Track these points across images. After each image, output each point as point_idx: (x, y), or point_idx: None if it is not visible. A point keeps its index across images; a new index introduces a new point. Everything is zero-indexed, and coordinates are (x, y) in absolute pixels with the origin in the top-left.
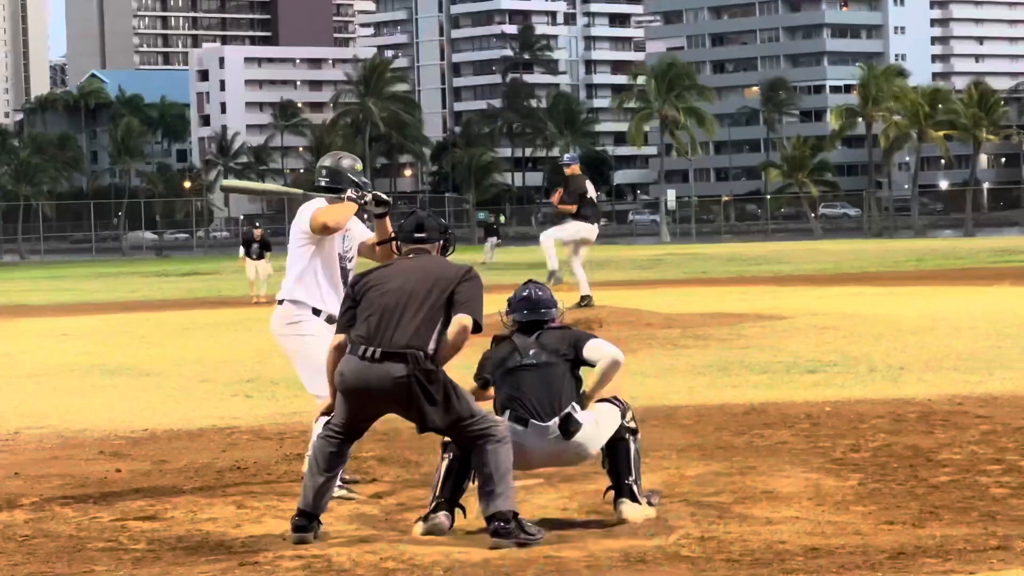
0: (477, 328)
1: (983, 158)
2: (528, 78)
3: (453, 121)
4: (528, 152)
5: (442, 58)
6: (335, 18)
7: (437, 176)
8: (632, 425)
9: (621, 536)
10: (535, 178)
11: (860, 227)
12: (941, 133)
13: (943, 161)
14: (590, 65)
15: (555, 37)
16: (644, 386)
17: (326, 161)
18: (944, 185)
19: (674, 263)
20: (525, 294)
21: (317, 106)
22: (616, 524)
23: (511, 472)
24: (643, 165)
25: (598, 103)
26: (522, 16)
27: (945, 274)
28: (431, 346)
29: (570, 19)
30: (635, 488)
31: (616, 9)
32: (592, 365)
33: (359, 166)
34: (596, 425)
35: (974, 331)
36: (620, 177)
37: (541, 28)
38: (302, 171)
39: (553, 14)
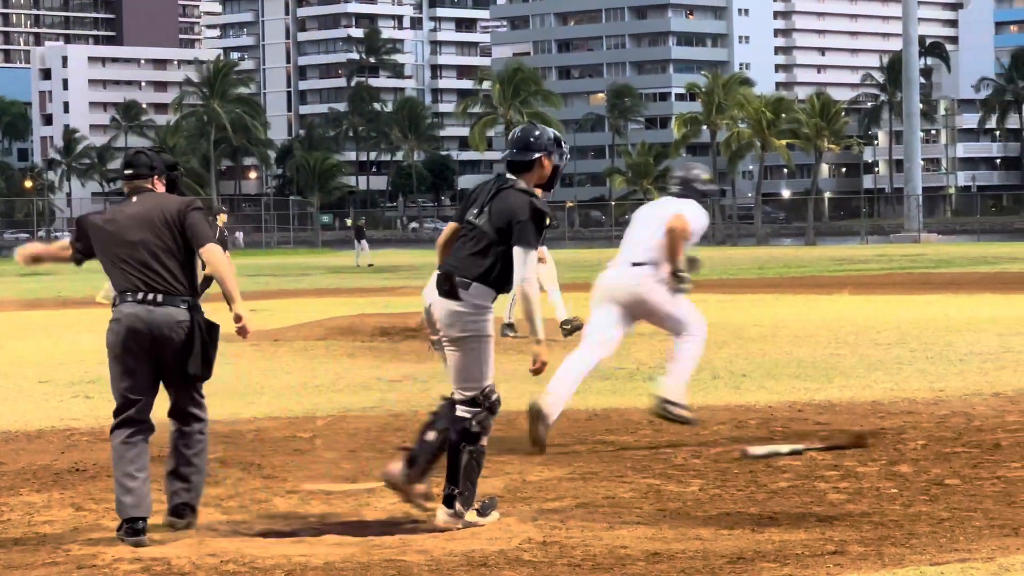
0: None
1: (824, 168)
2: (374, 82)
3: (298, 124)
4: (373, 156)
5: (288, 61)
6: (180, 19)
7: (282, 179)
8: (474, 429)
9: (464, 540)
10: (379, 182)
11: (704, 234)
12: (784, 142)
13: (786, 170)
14: (436, 70)
15: (401, 41)
16: None
17: (678, 172)
18: (786, 194)
19: None
20: (512, 132)
21: (162, 107)
22: (461, 528)
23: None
24: (488, 170)
25: (444, 108)
26: (368, 20)
27: (787, 282)
28: (195, 289)
29: (416, 23)
30: (456, 499)
31: (462, 14)
32: None
33: (705, 175)
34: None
35: (814, 339)
36: (464, 182)
37: (387, 32)
38: None
39: (400, 18)
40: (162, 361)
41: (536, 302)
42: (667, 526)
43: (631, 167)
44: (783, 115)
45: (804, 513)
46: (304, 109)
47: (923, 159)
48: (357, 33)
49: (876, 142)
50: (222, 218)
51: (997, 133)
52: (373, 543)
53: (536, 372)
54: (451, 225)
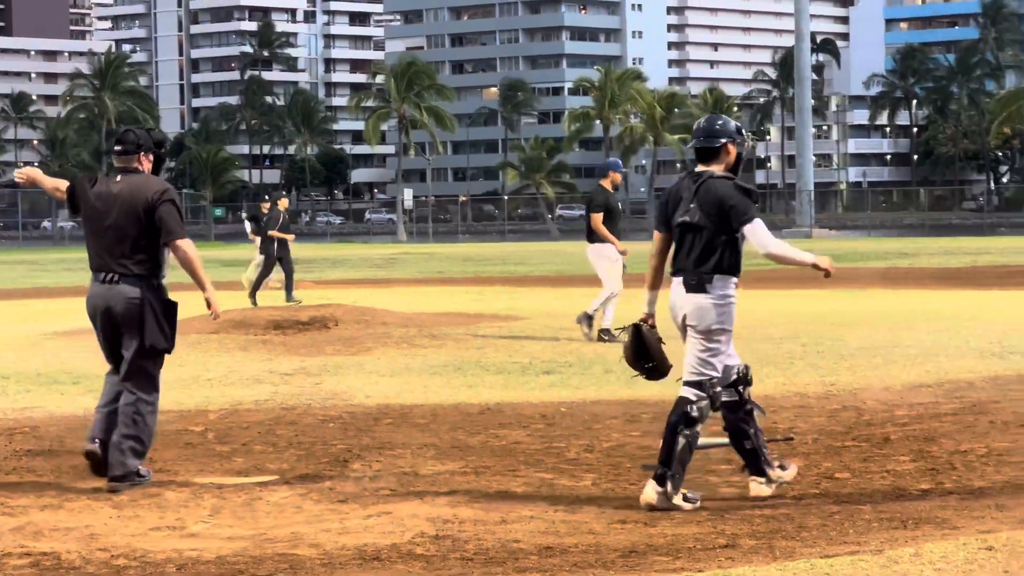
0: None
1: None
2: (267, 75)
3: (191, 117)
4: (266, 149)
5: (181, 53)
6: (72, 10)
7: (174, 172)
8: (693, 413)
9: (356, 534)
10: (272, 175)
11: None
12: (677, 137)
13: (679, 165)
14: (329, 63)
15: (295, 34)
16: (379, 385)
17: None
18: None
19: (410, 262)
20: (698, 122)
21: (52, 99)
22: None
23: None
24: (381, 164)
25: (337, 101)
26: (262, 13)
27: None
28: (161, 271)
29: (310, 17)
30: (667, 479)
31: (356, 8)
32: None
33: None
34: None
35: None
36: (357, 176)
37: (281, 25)
38: (36, 164)
39: (293, 11)
40: (118, 332)
41: (787, 251)
42: (560, 520)
43: (524, 162)
44: (676, 110)
45: (696, 507)
46: (197, 102)
47: (815, 155)
48: (250, 26)
49: (768, 138)
50: (283, 203)
51: (887, 129)
52: (265, 537)
53: (828, 275)
54: (657, 235)
